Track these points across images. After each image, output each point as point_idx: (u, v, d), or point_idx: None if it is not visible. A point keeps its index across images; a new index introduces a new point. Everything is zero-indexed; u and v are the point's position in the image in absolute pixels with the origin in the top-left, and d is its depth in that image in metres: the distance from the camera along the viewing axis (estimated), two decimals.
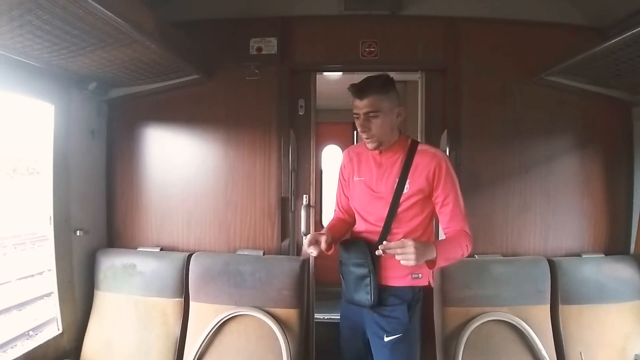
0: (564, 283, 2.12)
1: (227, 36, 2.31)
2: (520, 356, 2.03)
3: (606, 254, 2.25)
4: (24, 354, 1.84)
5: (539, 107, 2.28)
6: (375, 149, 1.57)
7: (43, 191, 2.06)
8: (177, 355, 2.10)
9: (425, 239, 1.57)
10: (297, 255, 2.39)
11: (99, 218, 2.33)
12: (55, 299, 2.06)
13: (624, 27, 1.63)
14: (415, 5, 2.30)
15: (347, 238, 1.68)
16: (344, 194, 1.74)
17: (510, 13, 2.27)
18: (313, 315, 2.36)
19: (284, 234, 2.36)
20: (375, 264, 1.54)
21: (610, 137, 2.30)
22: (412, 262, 1.31)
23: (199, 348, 2.04)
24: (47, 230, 2.04)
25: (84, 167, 2.21)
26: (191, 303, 2.14)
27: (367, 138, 1.54)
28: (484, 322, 2.04)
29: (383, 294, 1.55)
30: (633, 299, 2.12)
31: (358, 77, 1.58)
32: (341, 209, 1.77)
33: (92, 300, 2.21)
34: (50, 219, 2.00)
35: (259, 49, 2.28)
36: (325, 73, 2.95)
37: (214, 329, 2.06)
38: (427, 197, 1.55)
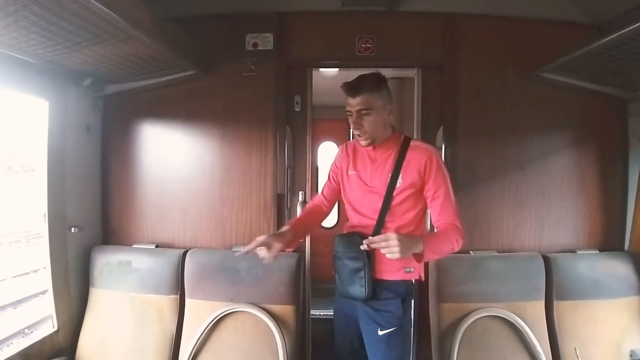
0: (559, 279, 2.13)
1: (223, 32, 2.29)
2: (516, 352, 2.05)
3: (601, 250, 2.27)
4: (20, 352, 1.83)
5: (535, 104, 2.29)
6: (368, 145, 1.59)
7: (38, 188, 2.05)
8: (173, 352, 2.11)
9: (419, 233, 1.60)
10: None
11: (94, 215, 2.32)
12: (50, 296, 2.05)
13: (620, 24, 1.64)
14: (412, 2, 2.29)
15: (342, 232, 1.69)
16: (333, 180, 1.76)
17: (508, 10, 2.27)
18: (309, 312, 2.37)
19: None
20: (370, 257, 1.55)
21: (605, 134, 2.31)
22: (397, 255, 1.32)
23: (195, 345, 2.04)
24: (42, 228, 2.03)
25: (79, 164, 2.19)
26: (187, 300, 2.14)
27: (360, 135, 1.56)
28: (479, 318, 2.06)
29: (377, 288, 1.57)
30: (627, 294, 2.14)
31: (355, 74, 1.60)
32: (324, 194, 1.78)
33: (88, 297, 2.20)
34: (45, 216, 2.00)
35: (255, 45, 2.26)
36: (321, 69, 2.94)
37: (210, 326, 2.06)
38: (419, 190, 1.57)
